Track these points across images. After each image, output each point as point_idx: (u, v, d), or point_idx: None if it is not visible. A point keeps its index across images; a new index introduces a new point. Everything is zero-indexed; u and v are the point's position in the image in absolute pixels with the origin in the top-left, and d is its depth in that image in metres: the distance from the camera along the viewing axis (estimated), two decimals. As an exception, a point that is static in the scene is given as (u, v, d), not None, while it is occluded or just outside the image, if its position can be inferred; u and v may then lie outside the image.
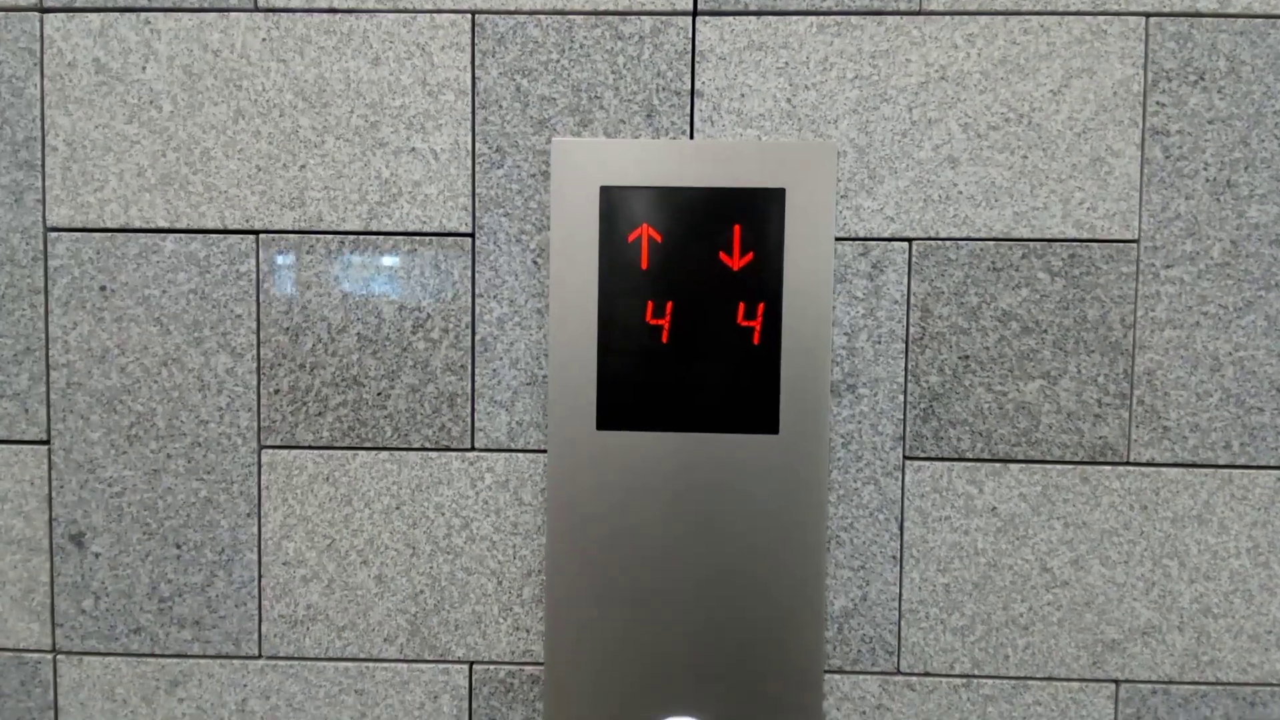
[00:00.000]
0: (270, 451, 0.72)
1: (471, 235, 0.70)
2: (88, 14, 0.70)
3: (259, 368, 0.71)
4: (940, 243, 0.69)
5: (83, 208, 0.71)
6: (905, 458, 0.71)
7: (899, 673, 0.72)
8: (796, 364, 0.66)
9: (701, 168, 0.65)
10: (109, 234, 0.71)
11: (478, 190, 0.70)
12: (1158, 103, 0.69)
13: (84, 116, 0.71)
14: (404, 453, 0.72)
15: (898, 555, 0.71)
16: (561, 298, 0.66)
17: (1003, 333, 0.70)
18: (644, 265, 0.66)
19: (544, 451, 0.71)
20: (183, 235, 0.71)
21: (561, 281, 0.66)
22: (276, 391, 0.71)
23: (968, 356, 0.70)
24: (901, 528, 0.71)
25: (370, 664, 0.73)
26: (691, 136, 0.69)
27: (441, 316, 0.71)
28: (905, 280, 0.70)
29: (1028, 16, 0.69)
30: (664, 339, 0.66)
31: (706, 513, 0.67)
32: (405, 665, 0.73)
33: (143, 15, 0.70)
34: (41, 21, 0.70)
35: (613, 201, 0.66)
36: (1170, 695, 0.72)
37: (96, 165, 0.71)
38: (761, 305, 0.66)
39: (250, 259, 0.71)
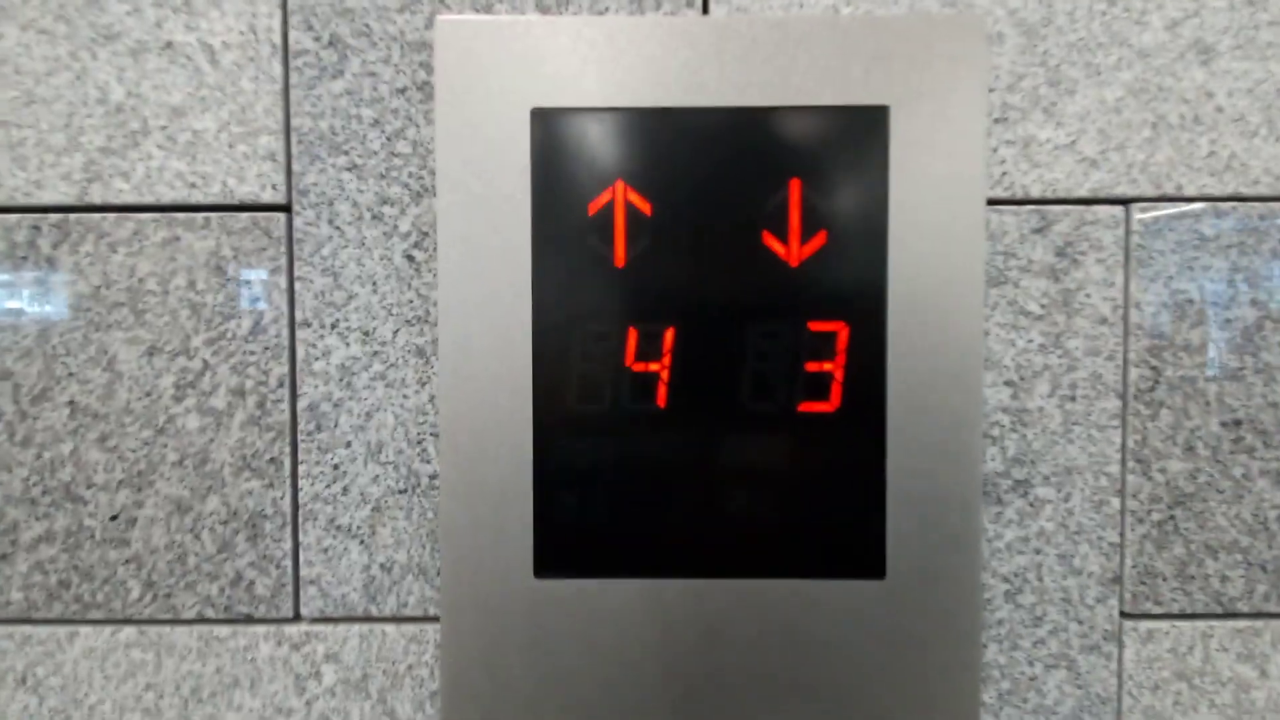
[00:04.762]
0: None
1: (286, 208, 0.61)
2: None
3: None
4: (1177, 203, 0.60)
5: None
6: (1123, 615, 0.61)
7: None
8: (915, 446, 0.57)
9: (726, 71, 0.56)
10: None
11: (295, 122, 0.61)
12: None
13: None
14: (165, 628, 0.62)
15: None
16: (459, 324, 0.57)
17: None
18: (619, 260, 0.57)
19: (434, 620, 0.63)
20: None
21: (458, 294, 0.57)
22: (-82, 516, 0.58)
23: (1240, 422, 0.59)
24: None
25: None
26: (705, 11, 0.60)
27: (230, 365, 0.61)
28: (1122, 278, 0.59)
29: None
30: (659, 400, 0.57)
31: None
32: None
33: None
34: None
35: (557, 137, 0.57)
36: None
37: None
38: (844, 334, 0.57)
39: None
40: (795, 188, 0.56)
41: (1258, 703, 0.60)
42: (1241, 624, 0.60)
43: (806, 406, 0.57)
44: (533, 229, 0.56)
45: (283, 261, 0.61)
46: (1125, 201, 0.60)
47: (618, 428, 0.57)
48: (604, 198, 0.56)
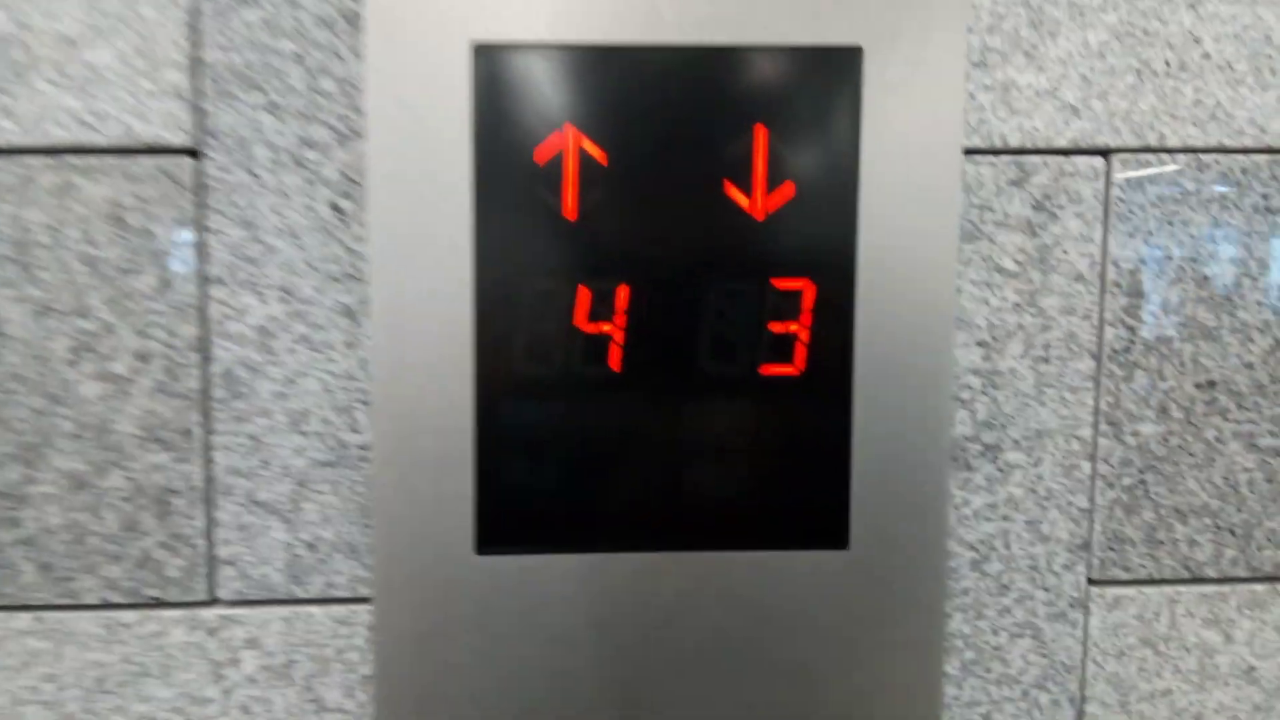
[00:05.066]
0: None
1: (195, 152, 0.57)
2: None
3: None
4: (1159, 155, 0.59)
5: None
6: (1090, 581, 0.61)
7: None
8: (882, 410, 0.56)
9: (688, 5, 0.54)
10: None
11: (206, 55, 0.57)
12: None
13: None
14: (65, 614, 0.59)
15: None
16: (392, 281, 0.55)
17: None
18: (570, 212, 0.55)
19: (365, 601, 0.61)
20: None
21: (391, 248, 0.54)
22: None
23: (1215, 383, 0.59)
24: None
25: None
26: (667, -61, 0.54)
27: (134, 327, 0.58)
28: (1101, 233, 0.59)
29: None
30: (612, 362, 0.56)
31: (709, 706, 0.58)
32: None
33: None
34: None
35: (501, 76, 0.54)
36: None
37: None
38: (810, 292, 0.55)
39: None
40: (760, 135, 0.54)
41: (1221, 667, 0.62)
42: (1209, 589, 0.61)
43: (769, 369, 0.56)
44: (474, 177, 0.54)
45: (192, 211, 0.58)
46: (1106, 152, 0.59)
47: (567, 392, 0.56)
48: (553, 144, 0.54)
